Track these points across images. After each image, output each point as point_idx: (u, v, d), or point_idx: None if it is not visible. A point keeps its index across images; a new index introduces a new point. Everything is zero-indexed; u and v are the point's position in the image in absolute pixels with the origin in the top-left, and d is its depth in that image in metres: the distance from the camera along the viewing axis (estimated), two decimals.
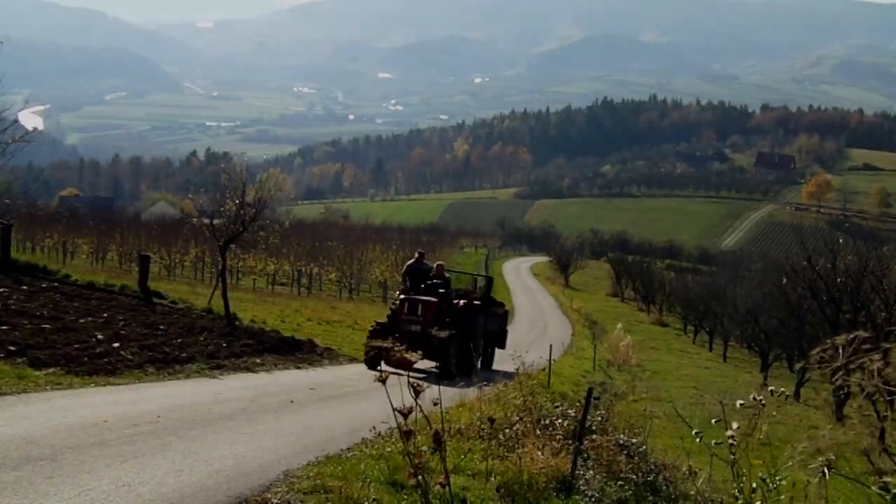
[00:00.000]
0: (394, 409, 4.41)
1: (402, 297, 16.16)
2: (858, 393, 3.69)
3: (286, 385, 11.46)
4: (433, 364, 15.41)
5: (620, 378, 21.42)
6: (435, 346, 14.69)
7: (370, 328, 16.32)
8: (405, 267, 17.57)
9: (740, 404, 4.08)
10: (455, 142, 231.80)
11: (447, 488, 3.68)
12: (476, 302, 17.22)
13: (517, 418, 8.44)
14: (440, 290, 16.09)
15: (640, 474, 7.46)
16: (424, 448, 5.02)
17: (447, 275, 17.28)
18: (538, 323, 34.27)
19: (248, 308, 22.49)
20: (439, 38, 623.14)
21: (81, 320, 13.29)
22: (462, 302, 16.85)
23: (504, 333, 18.91)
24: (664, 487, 7.45)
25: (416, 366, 14.76)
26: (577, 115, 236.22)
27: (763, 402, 4.02)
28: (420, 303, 15.55)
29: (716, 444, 4.17)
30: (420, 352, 13.74)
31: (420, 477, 3.62)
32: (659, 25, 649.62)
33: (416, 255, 17.67)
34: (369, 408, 10.05)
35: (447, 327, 15.45)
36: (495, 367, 17.40)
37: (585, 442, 7.45)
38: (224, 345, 13.72)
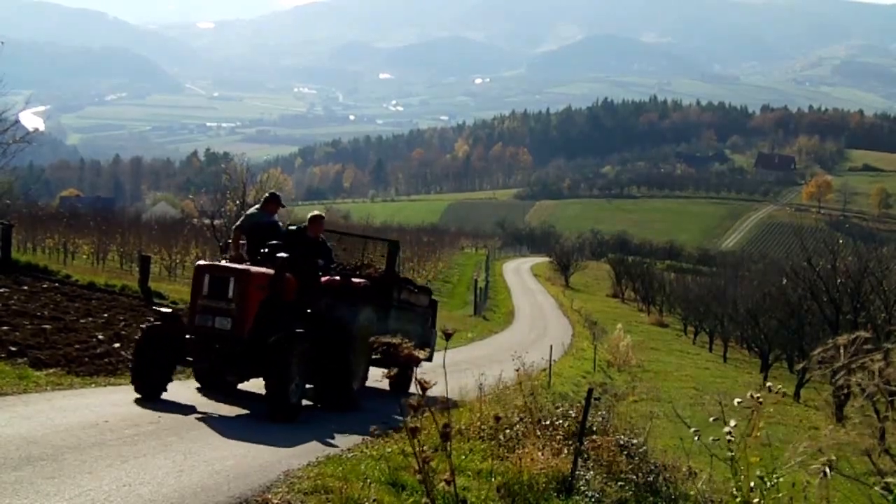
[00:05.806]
0: (401, 404, 4.32)
1: (199, 264, 8.96)
2: (859, 393, 3.70)
3: None
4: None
5: (620, 379, 21.45)
6: (260, 356, 8.24)
7: (146, 324, 9.23)
8: (243, 217, 10.53)
9: (738, 403, 4.09)
10: (455, 142, 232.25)
11: (452, 485, 3.66)
12: (358, 280, 10.29)
13: (517, 419, 8.44)
14: (281, 256, 8.78)
15: (640, 475, 7.47)
16: (426, 447, 5.01)
17: (322, 237, 10.45)
18: (538, 323, 34.26)
19: None
20: (439, 39, 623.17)
21: (82, 321, 13.30)
22: (329, 280, 9.92)
23: (428, 336, 12.17)
24: (664, 488, 7.46)
25: (243, 388, 9.81)
26: (578, 116, 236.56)
27: (760, 399, 4.03)
28: (233, 275, 8.40)
29: (713, 440, 4.17)
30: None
31: (426, 473, 3.59)
32: (659, 26, 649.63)
33: (262, 200, 10.37)
34: (370, 407, 10.06)
35: (289, 324, 8.59)
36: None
37: (586, 442, 7.45)
38: None
